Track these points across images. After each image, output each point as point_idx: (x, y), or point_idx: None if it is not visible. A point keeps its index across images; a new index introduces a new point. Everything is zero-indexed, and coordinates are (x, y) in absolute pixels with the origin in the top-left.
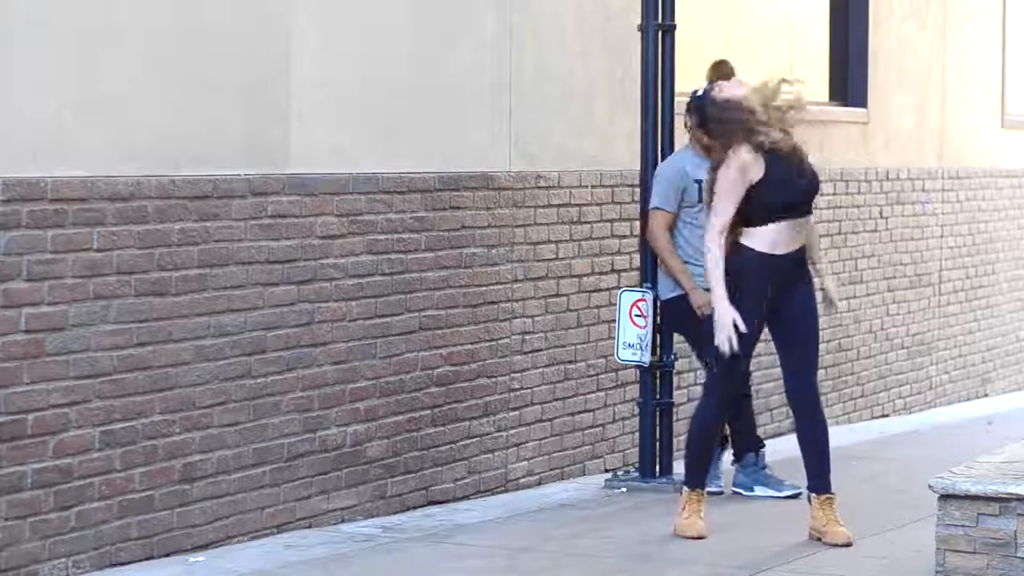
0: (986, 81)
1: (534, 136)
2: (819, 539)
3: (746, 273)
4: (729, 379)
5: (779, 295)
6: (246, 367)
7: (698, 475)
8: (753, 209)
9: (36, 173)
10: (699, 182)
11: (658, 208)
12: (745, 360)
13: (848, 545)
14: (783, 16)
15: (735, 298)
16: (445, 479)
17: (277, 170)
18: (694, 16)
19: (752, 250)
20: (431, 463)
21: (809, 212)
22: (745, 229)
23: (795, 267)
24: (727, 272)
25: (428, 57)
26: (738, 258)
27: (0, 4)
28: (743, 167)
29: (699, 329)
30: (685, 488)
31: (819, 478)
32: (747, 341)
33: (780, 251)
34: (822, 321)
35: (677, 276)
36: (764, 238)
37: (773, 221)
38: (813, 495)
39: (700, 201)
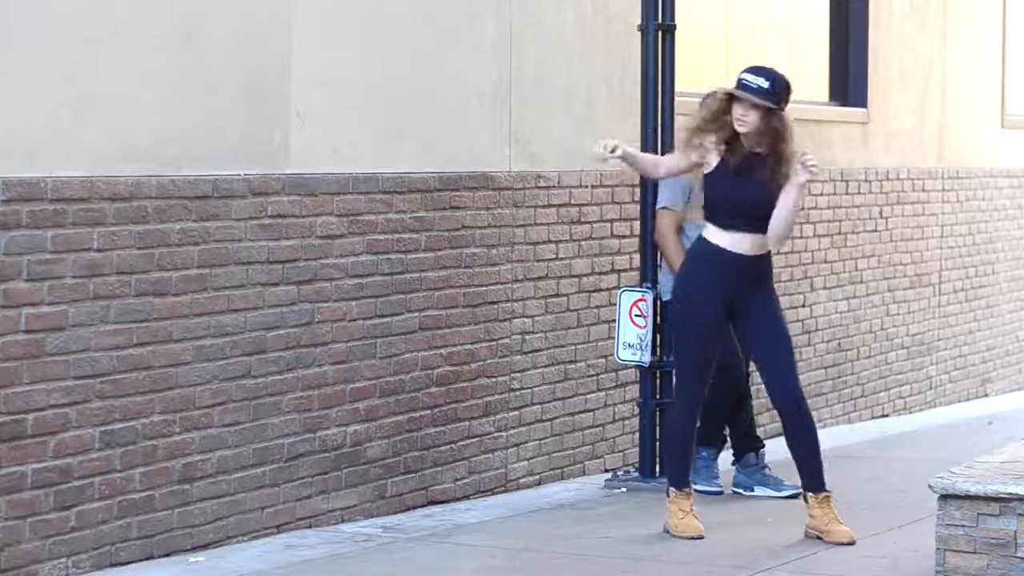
0: (986, 81)
1: (534, 136)
2: (818, 538)
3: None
4: (698, 378)
5: (739, 303)
6: (246, 367)
7: (683, 475)
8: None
9: (36, 173)
10: None
11: (666, 208)
12: (712, 363)
13: (851, 543)
14: (783, 16)
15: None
16: (445, 479)
17: (277, 170)
18: (694, 16)
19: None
20: (431, 463)
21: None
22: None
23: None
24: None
25: (428, 57)
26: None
27: (0, 4)
28: None
29: None
30: (672, 489)
31: (814, 477)
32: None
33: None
34: (822, 320)
35: None
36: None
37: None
38: (810, 494)
39: None
